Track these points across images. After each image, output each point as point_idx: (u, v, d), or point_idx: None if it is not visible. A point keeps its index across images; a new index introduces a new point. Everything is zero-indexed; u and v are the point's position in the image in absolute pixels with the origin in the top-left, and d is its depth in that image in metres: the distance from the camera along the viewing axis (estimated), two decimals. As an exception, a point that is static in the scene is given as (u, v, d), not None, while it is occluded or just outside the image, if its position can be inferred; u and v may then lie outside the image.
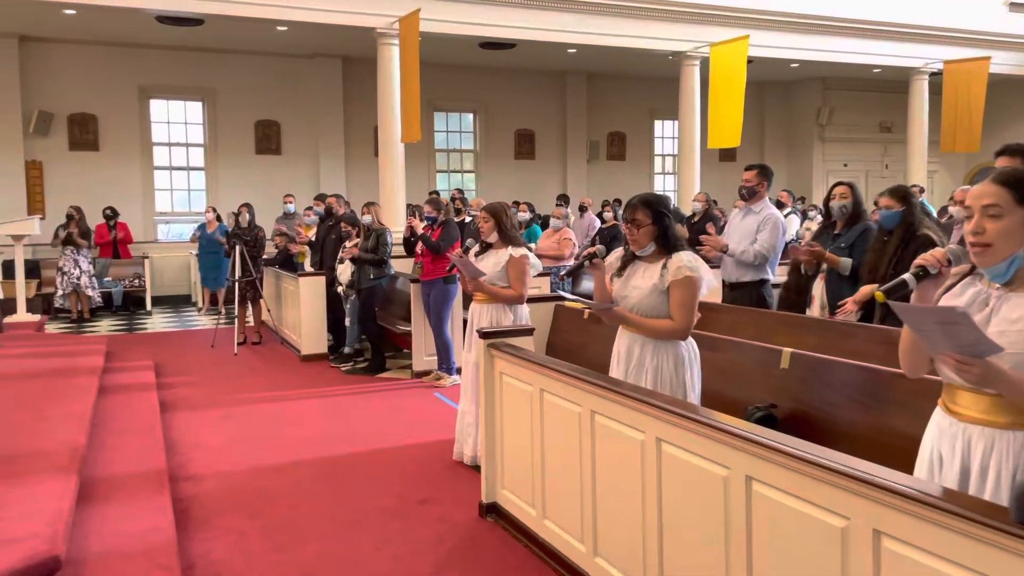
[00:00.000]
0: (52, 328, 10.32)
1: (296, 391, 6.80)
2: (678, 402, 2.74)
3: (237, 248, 8.63)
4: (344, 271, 7.81)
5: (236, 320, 8.91)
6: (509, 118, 15.63)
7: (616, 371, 3.30)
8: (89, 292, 11.19)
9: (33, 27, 11.73)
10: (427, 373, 7.12)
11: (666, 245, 3.22)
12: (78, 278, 11.05)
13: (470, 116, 15.72)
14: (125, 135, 12.99)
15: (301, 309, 8.09)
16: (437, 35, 11.12)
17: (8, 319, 8.62)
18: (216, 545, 3.57)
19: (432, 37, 11.02)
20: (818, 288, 5.09)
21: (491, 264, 4.65)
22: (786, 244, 5.66)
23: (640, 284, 3.22)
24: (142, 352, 7.97)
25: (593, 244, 10.49)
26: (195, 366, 7.89)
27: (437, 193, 11.62)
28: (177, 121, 13.69)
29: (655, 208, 3.22)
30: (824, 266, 5.00)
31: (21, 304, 8.83)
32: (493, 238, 4.72)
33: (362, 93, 13.48)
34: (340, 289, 7.85)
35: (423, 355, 7.21)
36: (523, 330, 3.95)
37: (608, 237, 10.12)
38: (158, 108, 13.48)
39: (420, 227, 6.90)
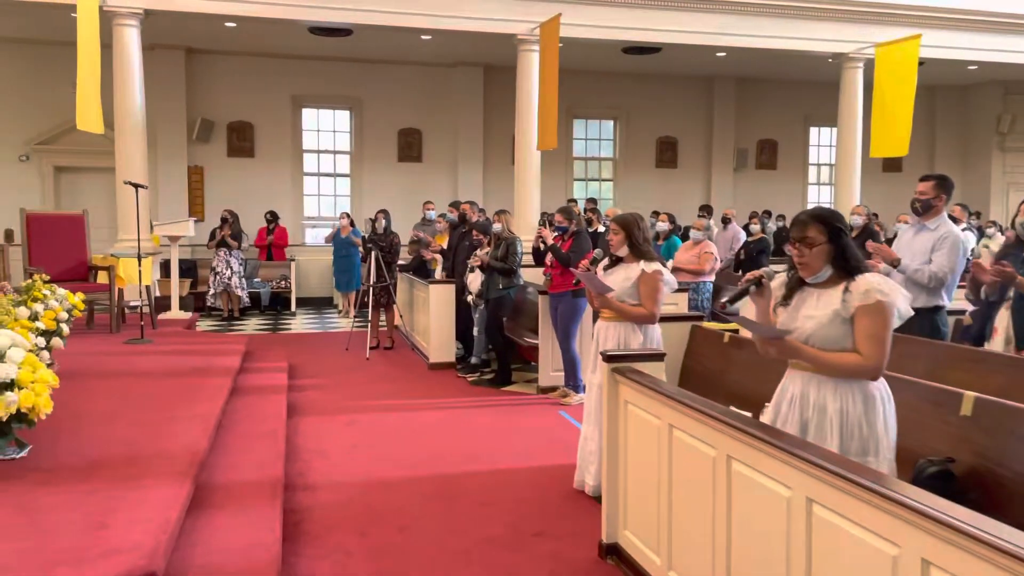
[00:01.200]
0: (203, 325, 10.86)
1: (421, 400, 6.70)
2: (834, 457, 2.30)
3: (372, 254, 8.71)
4: (474, 280, 7.67)
5: (369, 325, 8.99)
6: (651, 125, 15.14)
7: (789, 417, 2.76)
8: (239, 292, 11.72)
9: (198, 40, 12.47)
10: (553, 389, 6.84)
11: (845, 267, 2.68)
12: (229, 278, 11.59)
13: (610, 123, 15.35)
14: (278, 142, 13.58)
15: (431, 316, 8.03)
16: (578, 40, 10.87)
17: (162, 316, 9.09)
18: (320, 566, 3.43)
19: (573, 42, 10.78)
20: (1003, 318, 4.40)
21: (620, 279, 4.30)
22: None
23: (815, 313, 2.68)
24: (279, 353, 8.16)
25: (737, 258, 9.86)
26: (328, 369, 7.99)
27: (574, 201, 11.36)
28: (326, 129, 14.18)
29: (830, 224, 2.68)
30: (1011, 292, 4.32)
31: (175, 302, 9.30)
32: (623, 251, 4.37)
33: (502, 101, 13.43)
34: (470, 298, 7.72)
35: (550, 370, 6.93)
36: (653, 355, 3.58)
37: (754, 251, 9.48)
38: (309, 116, 14.02)
39: (550, 237, 6.63)
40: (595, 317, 6.66)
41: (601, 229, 9.03)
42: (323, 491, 4.39)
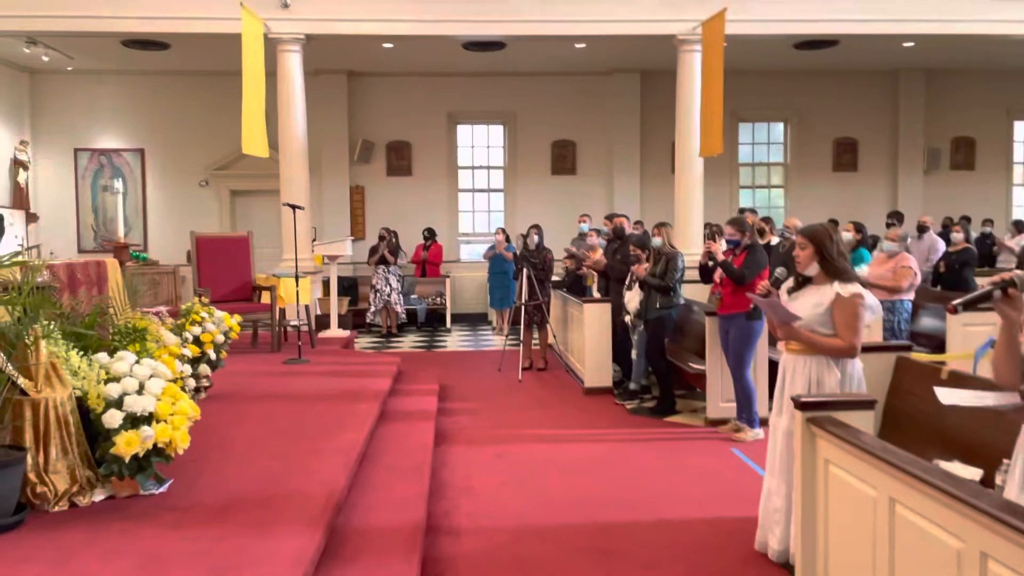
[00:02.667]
0: (363, 342, 10.97)
1: (575, 430, 6.22)
2: None
3: (524, 271, 8.36)
4: (632, 298, 7.10)
5: (522, 345, 8.63)
6: (827, 126, 13.90)
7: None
8: (397, 309, 11.78)
9: (358, 63, 12.74)
10: (723, 422, 6.14)
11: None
12: (388, 295, 11.68)
13: (780, 125, 14.25)
14: (434, 160, 13.64)
15: (585, 337, 7.54)
16: (745, 37, 10.05)
17: (322, 334, 9.19)
18: (460, 635, 3.02)
19: (739, 40, 9.98)
20: None
21: (810, 305, 3.61)
22: None
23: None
24: (431, 373, 7.97)
25: (936, 271, 8.66)
26: (479, 391, 7.69)
27: (752, 211, 10.50)
28: (480, 144, 14.10)
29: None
30: None
31: (334, 320, 9.39)
32: (813, 270, 3.68)
33: (660, 107, 12.78)
34: (627, 318, 7.16)
35: (719, 400, 6.24)
36: (860, 402, 2.90)
37: (956, 263, 8.27)
38: (464, 133, 13.99)
39: (720, 251, 5.96)
40: (772, 340, 5.94)
41: (775, 241, 8.21)
42: (468, 537, 4.00)
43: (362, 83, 13.35)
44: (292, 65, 9.86)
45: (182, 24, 9.63)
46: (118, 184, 5.81)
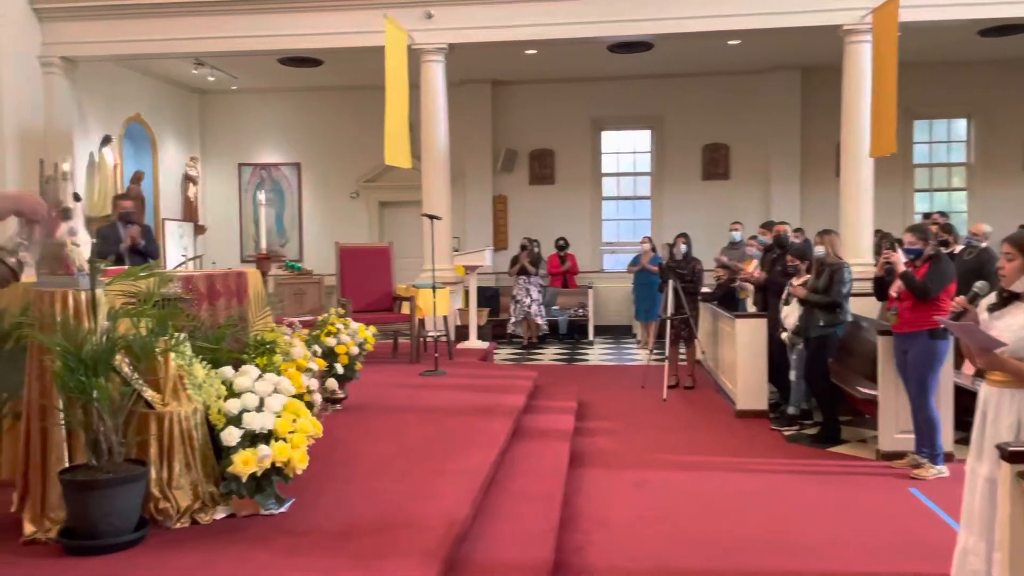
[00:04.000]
0: (503, 353, 10.81)
1: (725, 457, 5.67)
2: None
3: (670, 283, 7.86)
4: (790, 313, 6.46)
5: (667, 361, 8.11)
6: (1017, 122, 12.38)
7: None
8: (538, 320, 11.55)
9: (502, 71, 12.67)
10: (899, 456, 5.39)
11: None
12: (529, 306, 11.48)
13: (962, 122, 12.85)
14: (577, 167, 13.34)
15: (737, 355, 6.95)
16: (922, 24, 9.04)
17: (461, 345, 9.09)
18: None
19: (914, 28, 8.98)
20: None
21: (1016, 327, 2.97)
22: None
23: None
24: (570, 389, 7.63)
25: None
26: (620, 410, 7.27)
27: (942, 214, 9.47)
28: (626, 151, 13.66)
29: None
30: None
31: (473, 331, 9.27)
32: (1021, 286, 3.04)
33: (823, 105, 11.84)
34: (785, 335, 6.52)
35: (893, 430, 5.49)
36: (1094, 455, 2.28)
37: None
38: (608, 139, 13.60)
39: (901, 262, 5.24)
40: (958, 361, 5.15)
41: (958, 250, 7.27)
42: (601, 578, 3.63)
43: (506, 91, 13.27)
44: (435, 75, 9.86)
45: (333, 39, 9.87)
46: (260, 196, 5.87)
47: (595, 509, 4.54)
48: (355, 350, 5.47)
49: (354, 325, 5.60)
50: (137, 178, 11.80)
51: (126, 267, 4.63)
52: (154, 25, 9.89)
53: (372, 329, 5.75)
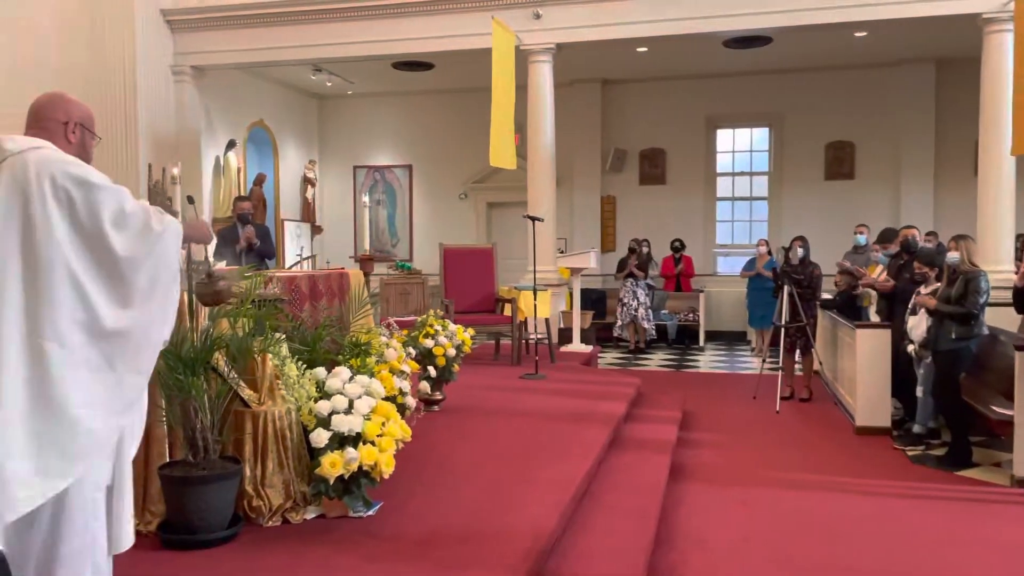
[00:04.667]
0: (607, 358, 10.61)
1: (841, 477, 5.30)
2: None
3: (785, 288, 7.46)
4: (918, 324, 5.99)
5: (782, 371, 7.69)
6: None
7: None
8: (645, 324, 11.27)
9: (612, 70, 12.46)
10: (1040, 485, 4.88)
11: None
12: (636, 309, 11.22)
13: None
14: (690, 167, 12.95)
15: (858, 367, 6.49)
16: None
17: (564, 348, 8.97)
18: None
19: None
20: None
21: None
22: None
23: None
24: (675, 397, 7.36)
25: None
26: (728, 421, 6.96)
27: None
28: (742, 150, 13.15)
29: None
30: None
31: (576, 334, 9.13)
32: None
33: (959, 100, 11.02)
34: (911, 348, 6.04)
35: (1034, 456, 4.97)
36: None
37: None
38: (724, 137, 13.14)
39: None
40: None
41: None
42: (696, 603, 3.43)
43: (616, 90, 13.04)
44: (542, 76, 9.79)
45: (443, 43, 9.97)
46: (365, 197, 5.96)
47: (694, 527, 4.32)
48: (452, 352, 5.46)
49: (452, 327, 5.59)
50: (259, 180, 12.33)
51: (238, 267, 4.79)
52: (275, 33, 10.30)
53: (470, 331, 5.72)
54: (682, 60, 11.69)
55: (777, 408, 7.30)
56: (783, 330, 7.57)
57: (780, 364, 7.68)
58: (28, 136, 2.35)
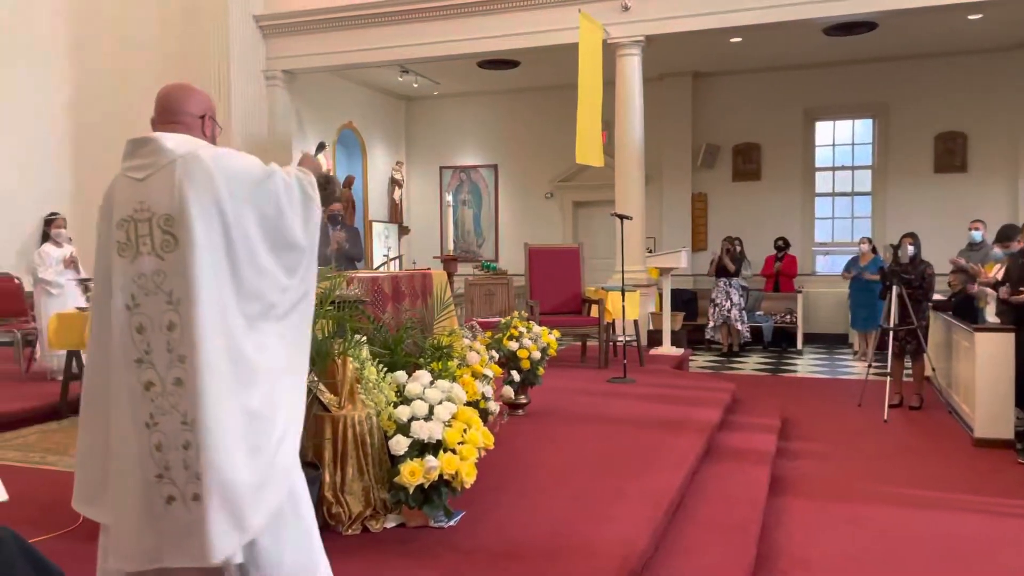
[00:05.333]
0: (699, 361, 10.24)
1: (959, 495, 4.85)
2: None
3: (894, 289, 6.96)
4: (1048, 329, 5.45)
5: (890, 377, 7.19)
6: None
7: None
8: (738, 326, 10.84)
9: (703, 63, 12.05)
10: None
11: None
12: (729, 310, 10.80)
13: None
14: (787, 162, 12.40)
15: (977, 374, 5.98)
16: None
17: (653, 351, 8.68)
18: None
19: None
20: None
21: None
22: None
23: None
24: (772, 404, 6.98)
25: None
26: (831, 430, 6.53)
27: None
28: (842, 143, 12.50)
29: None
30: None
31: (666, 336, 8.82)
32: None
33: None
34: (1039, 354, 5.51)
35: None
36: None
37: None
38: (823, 130, 12.51)
39: None
40: None
41: None
42: (801, 632, 3.14)
43: (708, 83, 12.61)
44: (631, 70, 9.50)
45: (528, 39, 9.82)
46: (448, 197, 5.86)
47: (796, 546, 4.01)
48: (537, 355, 5.29)
49: (537, 329, 5.42)
50: (348, 182, 12.49)
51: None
52: (363, 35, 10.38)
53: (555, 333, 5.53)
54: (779, 50, 11.18)
55: (885, 416, 6.82)
56: (891, 333, 7.08)
57: (888, 369, 7.19)
58: (165, 131, 2.24)
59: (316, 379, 3.34)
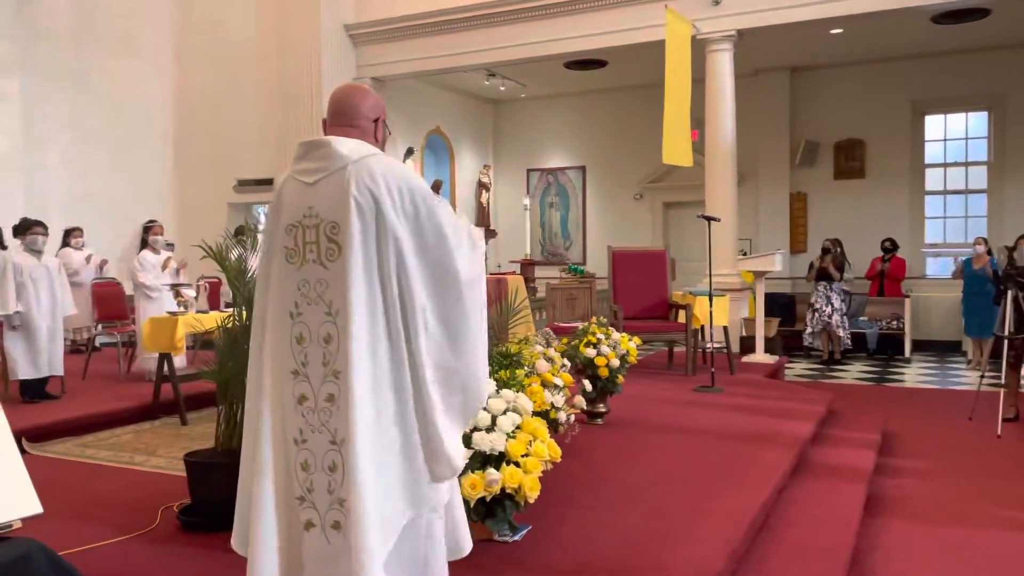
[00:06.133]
0: (796, 369, 9.76)
1: (1085, 522, 4.39)
2: None
3: (1009, 294, 6.41)
4: None
5: (1004, 388, 6.63)
6: None
7: None
8: (839, 332, 10.28)
9: (802, 57, 11.53)
10: None
11: None
12: (829, 316, 10.26)
13: None
14: (894, 159, 11.71)
15: (1108, 389, 5.42)
16: None
17: (746, 358, 8.32)
18: None
19: None
20: None
21: None
22: None
23: None
24: (874, 416, 6.55)
25: None
26: (938, 446, 6.06)
27: None
28: (955, 138, 11.71)
29: None
30: None
31: (759, 343, 8.43)
32: None
33: None
34: None
35: None
36: None
37: None
38: (933, 124, 11.76)
39: None
40: None
41: None
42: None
43: (806, 78, 12.07)
44: (722, 65, 9.17)
45: (615, 37, 9.65)
46: (525, 200, 5.76)
47: (895, 574, 3.69)
48: (616, 363, 5.11)
49: (616, 335, 5.24)
50: (436, 186, 12.54)
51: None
52: (450, 40, 10.44)
53: (636, 340, 5.34)
54: (883, 40, 10.57)
55: (998, 431, 6.28)
56: (1006, 342, 6.52)
57: (1003, 380, 6.63)
58: (339, 135, 2.16)
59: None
